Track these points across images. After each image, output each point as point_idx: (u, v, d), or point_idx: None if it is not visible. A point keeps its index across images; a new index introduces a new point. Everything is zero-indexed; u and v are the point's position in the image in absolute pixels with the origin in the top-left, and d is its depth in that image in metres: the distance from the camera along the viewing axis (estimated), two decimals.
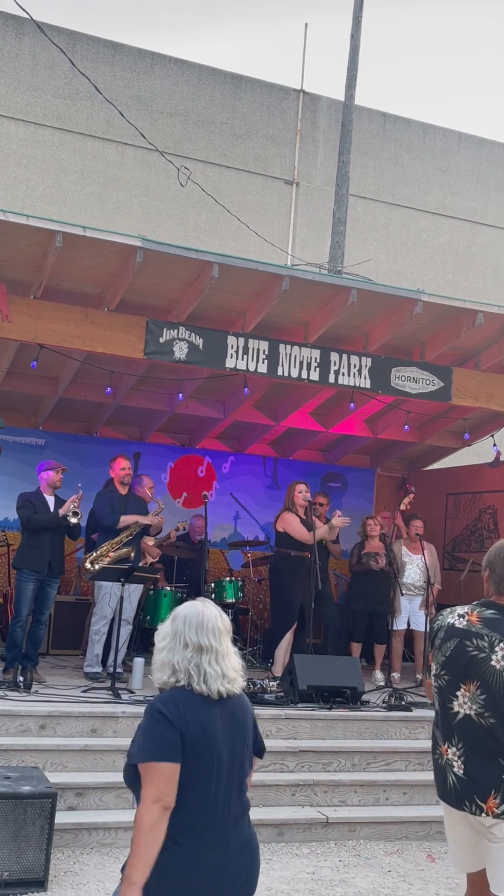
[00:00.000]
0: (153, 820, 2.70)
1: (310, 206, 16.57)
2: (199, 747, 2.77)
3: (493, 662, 3.47)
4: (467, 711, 3.51)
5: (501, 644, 3.46)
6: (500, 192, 17.71)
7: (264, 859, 5.95)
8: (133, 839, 2.75)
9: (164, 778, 2.71)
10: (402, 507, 9.39)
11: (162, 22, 40.59)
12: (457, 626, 3.61)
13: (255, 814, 6.43)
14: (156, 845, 2.69)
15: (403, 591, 9.09)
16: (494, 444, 10.12)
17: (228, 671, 2.88)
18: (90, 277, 7.68)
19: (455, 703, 3.56)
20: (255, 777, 6.84)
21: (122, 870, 2.79)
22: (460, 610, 3.65)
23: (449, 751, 3.57)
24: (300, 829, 6.39)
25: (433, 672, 3.67)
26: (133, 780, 2.81)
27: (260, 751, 3.04)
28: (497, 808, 3.45)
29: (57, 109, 15.08)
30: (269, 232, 15.14)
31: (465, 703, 3.52)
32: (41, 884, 5.18)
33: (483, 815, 3.47)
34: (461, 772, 3.54)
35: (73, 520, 7.63)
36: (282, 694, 7.57)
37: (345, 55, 14.12)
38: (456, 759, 3.55)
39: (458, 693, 3.54)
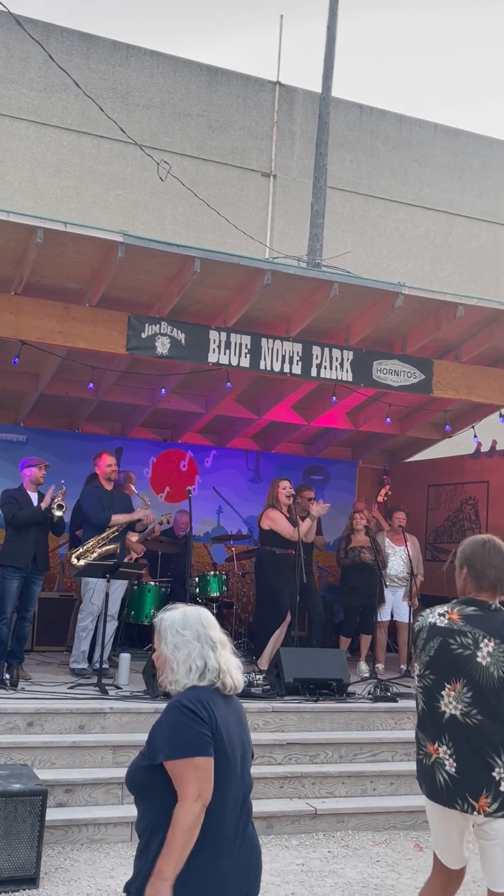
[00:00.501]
0: (194, 819, 2.66)
1: (287, 199, 16.57)
2: (222, 746, 2.75)
3: (478, 659, 3.49)
4: (454, 711, 3.53)
5: (486, 640, 3.48)
6: (476, 183, 17.79)
7: None
8: (171, 837, 2.68)
9: (204, 773, 2.68)
10: (379, 499, 9.44)
11: (136, 13, 40.34)
12: (438, 625, 3.62)
13: None
14: (192, 843, 2.67)
15: (387, 583, 9.15)
16: (475, 436, 10.19)
17: (238, 663, 2.94)
18: (71, 273, 7.65)
19: (441, 702, 3.57)
20: None
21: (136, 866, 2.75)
22: (440, 609, 3.66)
23: (439, 749, 3.58)
24: (289, 821, 6.43)
25: (417, 672, 3.68)
26: (145, 781, 2.76)
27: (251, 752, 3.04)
28: (489, 806, 3.48)
29: (32, 102, 14.97)
30: (246, 224, 15.13)
31: (450, 703, 3.54)
32: (33, 881, 5.19)
33: (475, 813, 3.50)
34: (453, 770, 3.55)
35: (58, 513, 7.61)
36: (268, 687, 7.61)
37: (321, 47, 14.16)
38: (447, 757, 3.56)
39: (444, 692, 3.55)
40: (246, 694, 7.36)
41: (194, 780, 2.67)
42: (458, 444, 11.29)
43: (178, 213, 15.52)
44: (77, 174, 15.19)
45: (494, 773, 3.47)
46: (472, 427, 10.34)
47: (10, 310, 7.60)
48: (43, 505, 7.65)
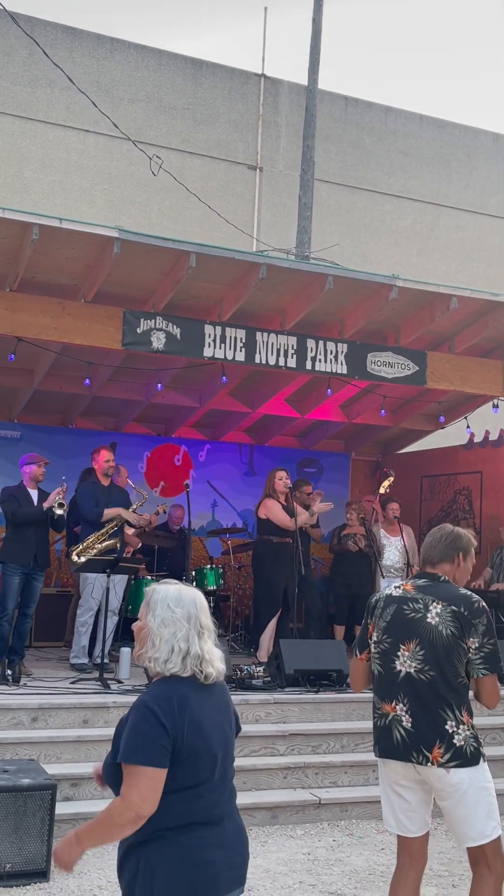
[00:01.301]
0: (126, 822, 2.61)
1: (274, 191, 16.57)
2: (197, 742, 2.67)
3: (428, 619, 3.81)
4: (408, 669, 3.82)
5: (434, 604, 3.81)
6: (462, 174, 17.85)
7: (260, 842, 6.08)
8: (101, 822, 2.65)
9: (150, 783, 2.59)
10: (382, 490, 9.50)
11: (119, 4, 40.13)
12: (394, 594, 3.98)
13: (249, 798, 6.56)
14: (116, 839, 2.65)
15: (383, 574, 9.21)
16: (468, 427, 10.25)
17: (218, 653, 2.81)
18: (66, 269, 7.65)
19: (397, 662, 3.87)
20: (248, 761, 6.94)
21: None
22: (396, 582, 4.08)
23: (396, 707, 3.85)
24: (293, 811, 6.48)
25: (374, 639, 3.97)
26: (114, 775, 2.70)
27: (237, 730, 2.95)
28: (441, 757, 3.72)
29: (16, 97, 14.90)
30: (233, 217, 15.13)
31: (405, 662, 3.83)
32: (44, 874, 5.22)
33: (428, 764, 3.74)
34: (409, 725, 3.81)
35: (59, 511, 7.63)
36: (269, 679, 7.65)
37: (305, 39, 14.18)
38: (403, 714, 3.83)
39: (399, 653, 3.86)
40: (247, 686, 7.43)
41: (138, 786, 2.59)
42: (450, 435, 11.36)
43: (165, 206, 15.50)
44: (63, 169, 15.14)
45: (447, 727, 3.73)
46: (466, 418, 10.41)
47: (6, 306, 7.60)
48: (45, 505, 7.66)
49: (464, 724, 3.73)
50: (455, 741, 3.72)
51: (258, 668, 7.86)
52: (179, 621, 2.71)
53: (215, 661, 2.75)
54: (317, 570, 10.73)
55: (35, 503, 7.75)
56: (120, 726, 2.72)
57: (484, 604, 3.80)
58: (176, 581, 2.87)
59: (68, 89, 14.78)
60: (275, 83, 16.86)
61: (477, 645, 3.72)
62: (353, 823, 6.55)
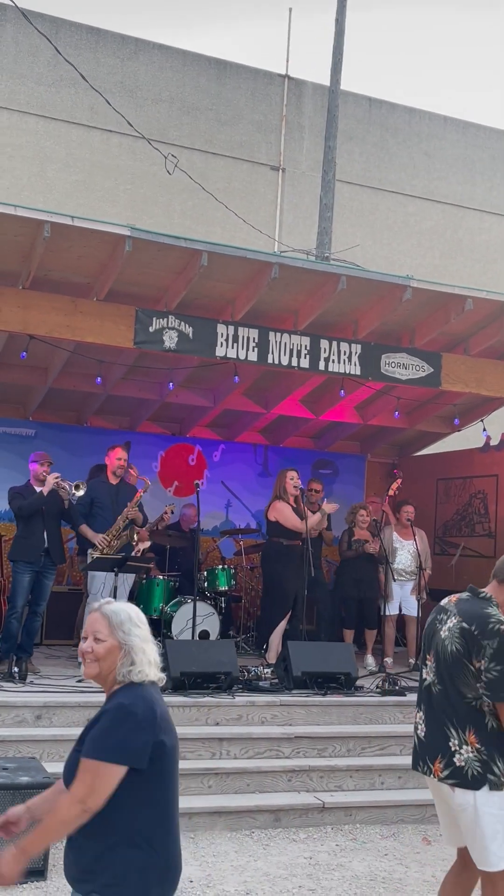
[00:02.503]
0: (73, 818, 2.67)
1: (296, 192, 16.53)
2: (171, 740, 2.80)
3: (442, 633, 3.78)
4: (428, 680, 3.86)
5: (453, 618, 3.74)
6: (486, 176, 17.71)
7: (261, 845, 6.04)
8: (47, 823, 2.71)
9: (110, 781, 2.67)
10: (391, 492, 9.43)
11: (144, 5, 40.28)
12: (441, 604, 3.98)
13: (252, 800, 6.52)
14: (62, 837, 2.71)
15: (395, 577, 9.13)
16: (484, 429, 10.15)
17: None
18: (79, 267, 7.65)
19: (424, 671, 3.93)
20: (252, 763, 6.91)
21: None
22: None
23: (418, 715, 3.93)
24: (297, 814, 6.43)
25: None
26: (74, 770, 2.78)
27: None
28: (441, 772, 3.70)
29: (41, 97, 14.98)
30: (255, 218, 15.11)
31: (428, 673, 3.87)
32: (41, 873, 5.20)
33: (431, 776, 3.75)
34: (423, 734, 3.86)
35: (79, 493, 7.70)
36: (276, 681, 7.62)
37: (329, 40, 14.12)
38: (420, 722, 3.89)
39: (426, 663, 3.91)
40: (254, 687, 7.39)
41: (95, 783, 2.67)
42: (466, 438, 11.26)
43: (188, 207, 15.51)
44: (86, 169, 15.19)
45: (450, 743, 3.69)
46: (482, 420, 10.31)
47: (18, 304, 7.61)
48: (45, 490, 7.68)
49: (467, 744, 3.62)
50: (455, 760, 3.66)
51: (266, 670, 7.83)
52: (147, 635, 2.92)
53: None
54: (330, 572, 10.67)
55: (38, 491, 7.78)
56: (90, 726, 2.80)
57: (501, 626, 3.59)
58: (111, 600, 3.05)
59: (92, 89, 14.84)
60: (298, 84, 16.82)
61: (483, 668, 3.58)
62: (358, 828, 6.49)
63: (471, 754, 3.62)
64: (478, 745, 3.62)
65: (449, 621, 3.74)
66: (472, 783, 3.61)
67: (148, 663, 2.86)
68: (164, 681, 2.97)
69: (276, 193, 16.50)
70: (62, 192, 14.86)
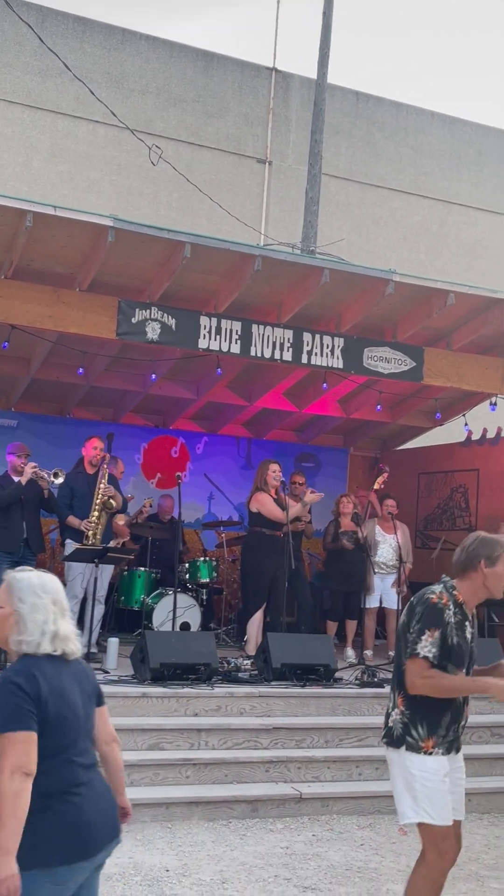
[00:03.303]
0: (16, 787, 2.73)
1: (282, 186, 16.51)
2: (62, 709, 2.85)
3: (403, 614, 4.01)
4: None
5: (413, 600, 3.93)
6: (473, 171, 17.74)
7: (238, 835, 6.06)
8: (3, 815, 2.75)
9: (23, 746, 2.75)
10: (377, 486, 9.46)
11: None
12: None
13: (230, 790, 6.55)
14: (23, 812, 2.73)
15: (376, 570, 9.17)
16: (466, 424, 10.20)
17: (75, 630, 3.03)
18: (61, 257, 7.64)
19: None
20: (230, 754, 6.93)
21: None
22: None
23: None
24: (274, 804, 6.45)
25: None
26: None
27: (100, 702, 3.14)
28: (383, 737, 4.00)
29: (26, 86, 14.89)
30: (241, 211, 15.08)
31: None
32: None
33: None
34: None
35: (58, 480, 7.70)
36: (256, 672, 7.64)
37: (317, 33, 14.07)
38: None
39: None
40: (233, 679, 7.41)
41: (12, 754, 2.74)
42: (448, 433, 11.31)
43: (174, 198, 15.47)
44: (72, 159, 15.12)
45: (389, 705, 3.99)
46: (463, 415, 10.36)
47: (0, 294, 7.60)
48: (23, 480, 7.68)
49: (397, 707, 3.90)
50: (389, 721, 3.95)
51: (245, 661, 7.85)
52: (48, 607, 2.94)
53: (74, 638, 3.00)
54: (311, 565, 10.70)
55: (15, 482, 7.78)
56: None
57: (432, 596, 3.81)
58: (30, 568, 3.08)
59: (78, 79, 14.76)
60: (286, 77, 16.79)
61: (411, 629, 3.83)
62: (334, 819, 6.53)
63: (398, 716, 3.88)
64: (402, 708, 3.88)
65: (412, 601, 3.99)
66: (395, 742, 3.88)
67: (42, 634, 2.90)
68: (74, 655, 2.97)
69: (262, 186, 16.47)
70: (47, 183, 14.79)
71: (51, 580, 3.03)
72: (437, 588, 3.87)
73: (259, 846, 5.88)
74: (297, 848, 5.89)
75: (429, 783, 3.80)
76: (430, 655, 3.75)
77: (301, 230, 14.42)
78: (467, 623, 3.89)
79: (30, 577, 3.01)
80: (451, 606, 3.81)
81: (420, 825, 3.88)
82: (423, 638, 3.75)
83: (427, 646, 3.74)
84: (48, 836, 2.79)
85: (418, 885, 3.93)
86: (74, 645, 2.99)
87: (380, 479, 9.55)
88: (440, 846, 3.85)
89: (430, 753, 3.82)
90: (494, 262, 17.48)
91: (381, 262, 15.11)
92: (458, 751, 3.96)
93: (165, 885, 5.12)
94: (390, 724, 3.91)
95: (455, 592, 3.86)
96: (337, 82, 16.49)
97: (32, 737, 2.77)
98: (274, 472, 8.48)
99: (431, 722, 3.82)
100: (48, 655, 2.91)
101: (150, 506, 9.59)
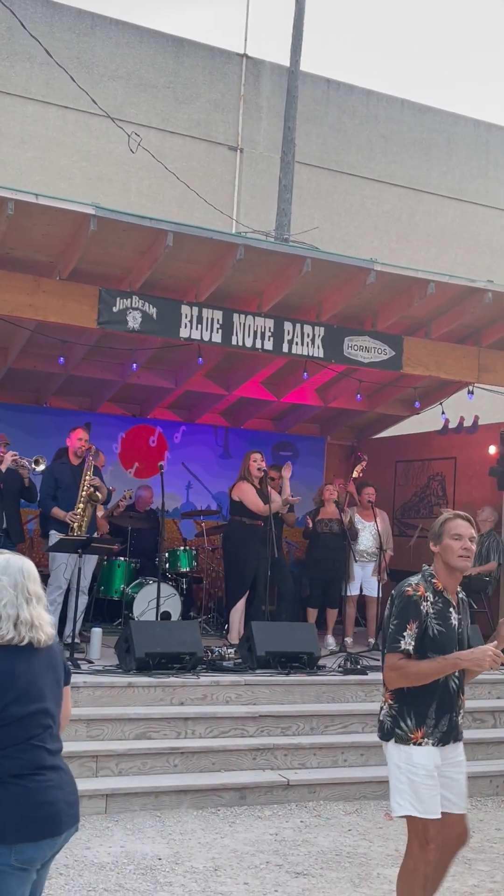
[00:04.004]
0: None
1: (254, 173, 16.46)
2: (27, 707, 2.87)
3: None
4: None
5: (393, 592, 3.98)
6: (443, 159, 17.81)
7: (227, 822, 6.10)
8: None
9: None
10: (355, 474, 9.52)
11: None
12: None
13: (218, 778, 6.59)
14: None
15: (356, 558, 9.23)
16: (443, 412, 10.28)
17: (48, 618, 3.01)
18: (42, 246, 7.56)
19: None
20: (217, 742, 6.96)
21: None
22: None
23: None
24: (262, 792, 6.50)
25: None
26: None
27: (67, 681, 3.17)
28: (378, 731, 4.01)
29: None
30: (213, 198, 15.01)
31: None
32: None
33: None
34: None
35: (39, 467, 7.65)
36: (240, 661, 7.67)
37: (287, 20, 14.06)
38: None
39: None
40: (218, 667, 7.44)
41: None
42: (425, 421, 11.39)
43: (144, 186, 15.36)
44: (42, 145, 14.95)
45: (380, 700, 4.03)
46: (441, 404, 10.43)
47: None
48: (2, 468, 7.62)
49: (386, 701, 3.94)
50: (380, 715, 3.98)
51: (229, 650, 7.87)
52: (6, 589, 2.90)
53: (45, 625, 2.95)
54: (290, 553, 10.75)
55: None
56: None
57: (408, 589, 3.84)
58: (6, 551, 3.05)
59: (47, 64, 14.56)
60: (256, 63, 16.72)
61: (391, 623, 3.86)
62: (321, 805, 6.59)
63: (386, 710, 3.92)
64: (391, 702, 3.91)
65: None
66: (386, 735, 3.92)
67: (4, 619, 2.87)
68: (43, 643, 2.94)
69: (233, 174, 16.41)
70: (16, 170, 14.60)
71: (17, 563, 2.97)
72: (415, 579, 3.89)
73: (249, 833, 5.92)
74: (287, 834, 5.95)
75: (414, 776, 3.81)
76: (410, 648, 3.77)
77: (272, 218, 14.41)
78: (451, 610, 3.90)
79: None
80: (431, 596, 3.84)
81: (406, 817, 3.88)
82: (402, 632, 3.78)
83: (406, 638, 3.77)
84: (12, 813, 2.84)
85: (406, 878, 3.94)
86: (44, 632, 2.94)
87: (358, 468, 9.61)
88: (422, 838, 3.84)
89: (420, 744, 3.82)
90: (464, 250, 17.60)
91: (353, 250, 15.13)
92: (456, 741, 3.95)
93: (159, 873, 5.14)
94: (381, 717, 3.95)
95: (434, 580, 3.91)
96: (308, 69, 16.46)
97: None
98: (255, 461, 8.50)
99: (418, 713, 3.83)
100: (14, 646, 2.88)
101: (130, 497, 9.57)
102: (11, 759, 2.86)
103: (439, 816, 3.83)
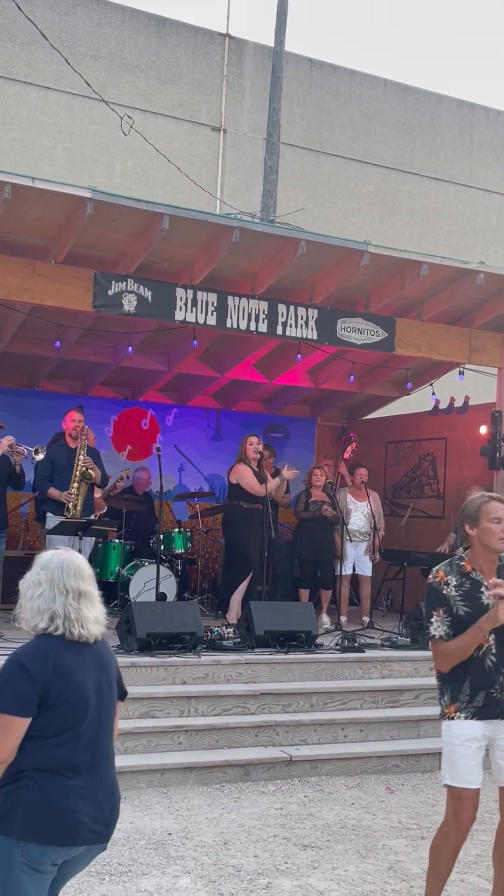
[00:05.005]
0: None
1: (237, 154, 16.42)
2: (67, 692, 2.83)
3: None
4: None
5: None
6: (426, 140, 17.83)
7: (233, 798, 6.21)
8: None
9: (10, 732, 2.77)
10: (345, 455, 9.61)
11: None
12: None
13: (222, 755, 6.67)
14: None
15: (350, 538, 9.34)
16: (433, 393, 10.37)
17: (100, 615, 3.00)
18: (37, 229, 7.55)
19: None
20: (220, 720, 7.05)
21: None
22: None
23: None
24: (265, 768, 6.61)
25: None
26: None
27: (122, 694, 3.14)
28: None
29: None
30: (197, 179, 14.95)
31: None
32: None
33: None
34: None
35: (39, 456, 7.67)
36: (239, 640, 7.76)
37: (269, 0, 13.96)
38: None
39: None
40: (218, 647, 7.53)
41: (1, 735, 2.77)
42: (415, 402, 11.48)
43: (128, 167, 15.29)
44: (24, 126, 14.83)
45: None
46: (431, 384, 10.52)
47: None
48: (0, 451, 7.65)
49: (438, 683, 4.09)
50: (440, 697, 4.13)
51: (228, 630, 7.96)
52: (42, 584, 2.91)
53: (87, 622, 2.93)
54: (282, 534, 10.84)
55: None
56: None
57: (430, 577, 4.01)
58: (66, 548, 3.08)
59: (29, 44, 14.44)
60: (239, 44, 16.64)
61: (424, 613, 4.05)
62: (323, 780, 6.71)
63: (439, 692, 4.11)
64: (438, 682, 4.10)
65: None
66: (440, 716, 4.11)
67: (37, 612, 2.89)
68: (85, 639, 2.93)
69: (217, 154, 16.36)
70: None
71: (60, 559, 2.97)
72: (438, 566, 4.05)
73: (254, 808, 6.03)
74: (292, 809, 6.06)
75: (450, 746, 3.99)
76: (443, 634, 3.92)
77: (257, 199, 14.38)
78: (483, 588, 3.95)
79: (45, 555, 3.02)
80: (454, 579, 3.94)
81: (446, 787, 4.07)
82: (432, 620, 3.94)
83: (437, 625, 3.92)
84: (24, 808, 2.78)
85: (437, 841, 4.13)
86: (83, 628, 2.91)
87: (349, 449, 9.70)
88: (456, 806, 4.00)
89: (453, 718, 3.98)
90: (448, 231, 17.67)
91: (337, 231, 15.14)
92: (501, 717, 3.99)
93: (171, 847, 5.24)
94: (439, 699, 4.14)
95: (462, 563, 3.99)
96: (291, 49, 16.40)
97: (21, 724, 2.78)
98: (252, 444, 8.56)
99: (453, 689, 3.98)
100: (58, 636, 2.88)
101: (127, 477, 9.61)
102: (35, 753, 2.81)
103: (474, 787, 3.97)
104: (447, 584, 3.93)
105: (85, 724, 2.87)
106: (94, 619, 2.96)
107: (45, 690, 2.79)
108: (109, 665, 3.04)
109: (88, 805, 2.84)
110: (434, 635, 3.94)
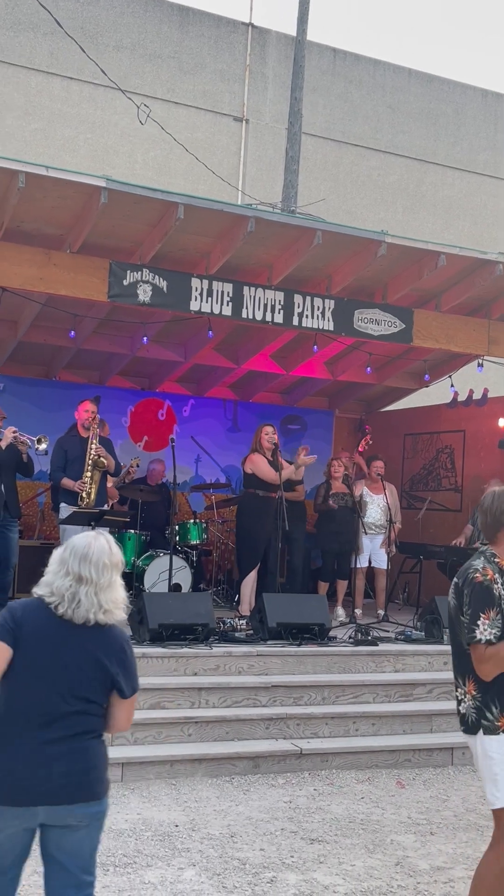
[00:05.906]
0: None
1: (259, 144, 16.34)
2: (29, 652, 3.01)
3: (450, 593, 3.91)
4: None
5: (457, 580, 3.82)
6: (450, 130, 17.66)
7: (242, 790, 6.18)
8: None
9: None
10: (361, 447, 9.55)
11: None
12: None
13: (231, 747, 6.66)
14: None
15: (365, 531, 9.28)
16: (452, 385, 10.27)
17: (106, 603, 3.07)
18: (52, 218, 7.53)
19: None
20: (230, 712, 7.03)
21: None
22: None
23: None
24: (275, 760, 6.59)
25: None
26: None
27: (132, 690, 3.16)
28: (461, 725, 3.87)
29: None
30: (218, 170, 14.91)
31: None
32: None
33: None
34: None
35: (42, 446, 7.68)
36: (251, 632, 7.74)
37: None
38: None
39: None
40: (230, 638, 7.51)
41: None
42: (433, 394, 11.39)
43: (150, 157, 15.26)
44: (46, 117, 14.84)
45: (457, 693, 3.85)
46: (450, 377, 10.42)
47: None
48: (3, 444, 7.65)
49: (468, 693, 3.76)
50: (461, 708, 3.82)
51: (241, 622, 7.94)
52: (55, 563, 3.14)
53: (79, 607, 3.05)
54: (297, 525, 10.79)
55: None
56: None
57: (476, 575, 3.68)
58: (100, 533, 3.22)
59: (52, 34, 14.42)
60: (262, 33, 16.55)
61: (463, 613, 3.71)
62: (334, 773, 6.68)
63: (470, 702, 3.76)
64: (474, 693, 3.75)
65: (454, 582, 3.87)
66: (472, 728, 3.76)
67: (47, 585, 3.10)
68: (76, 620, 3.05)
69: (239, 145, 16.28)
70: (21, 141, 14.50)
71: (81, 544, 3.12)
72: (478, 563, 3.72)
73: (263, 801, 6.00)
74: (300, 802, 6.03)
75: (503, 764, 3.68)
76: (492, 637, 3.61)
77: (278, 189, 14.30)
78: None
79: (77, 537, 3.18)
80: (499, 577, 3.67)
81: (499, 810, 3.73)
82: (480, 622, 3.61)
83: (485, 629, 3.61)
84: None
85: (485, 874, 3.74)
86: (70, 609, 3.04)
87: (364, 441, 9.64)
88: None
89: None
90: (471, 222, 17.50)
91: (359, 221, 15.04)
92: None
93: (177, 839, 5.22)
94: (463, 710, 3.79)
95: (497, 560, 3.73)
96: (314, 39, 16.29)
97: (4, 651, 3.01)
98: (267, 434, 8.52)
99: (503, 700, 3.70)
100: (49, 605, 3.05)
101: (137, 465, 9.59)
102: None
103: None
104: (496, 582, 3.65)
105: (37, 691, 2.99)
106: (93, 605, 3.04)
107: (17, 633, 3.01)
108: (97, 651, 3.06)
109: (36, 763, 2.95)
110: (480, 639, 3.60)
